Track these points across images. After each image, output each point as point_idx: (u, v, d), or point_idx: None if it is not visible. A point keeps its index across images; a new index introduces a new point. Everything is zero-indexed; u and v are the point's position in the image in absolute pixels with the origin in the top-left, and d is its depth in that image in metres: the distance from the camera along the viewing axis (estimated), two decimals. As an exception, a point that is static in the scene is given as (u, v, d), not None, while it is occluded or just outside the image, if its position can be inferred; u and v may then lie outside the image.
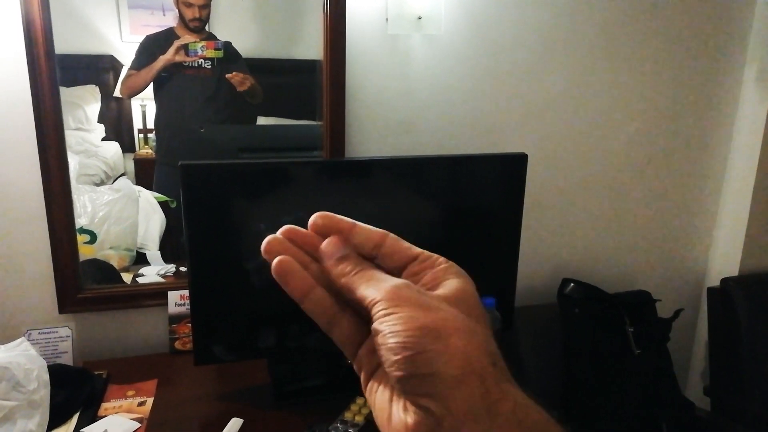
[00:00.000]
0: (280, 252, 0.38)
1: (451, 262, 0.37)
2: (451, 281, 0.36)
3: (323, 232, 0.38)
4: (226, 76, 1.62)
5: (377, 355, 0.35)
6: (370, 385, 0.38)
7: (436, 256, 0.38)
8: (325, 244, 0.38)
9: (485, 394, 0.31)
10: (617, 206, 2.03)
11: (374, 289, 0.34)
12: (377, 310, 0.33)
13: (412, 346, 0.31)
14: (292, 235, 0.39)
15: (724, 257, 2.12)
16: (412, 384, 0.31)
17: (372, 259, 0.38)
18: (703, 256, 2.19)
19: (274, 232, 0.39)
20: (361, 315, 0.37)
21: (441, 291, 0.35)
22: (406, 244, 0.38)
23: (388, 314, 0.33)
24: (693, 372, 2.27)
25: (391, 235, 0.39)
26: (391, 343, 0.32)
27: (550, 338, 1.80)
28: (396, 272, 0.38)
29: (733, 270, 2.08)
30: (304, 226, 0.39)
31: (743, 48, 1.98)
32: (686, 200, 2.10)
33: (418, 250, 0.38)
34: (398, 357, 0.31)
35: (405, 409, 0.32)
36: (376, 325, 0.33)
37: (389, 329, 0.32)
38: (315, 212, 0.40)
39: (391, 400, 0.34)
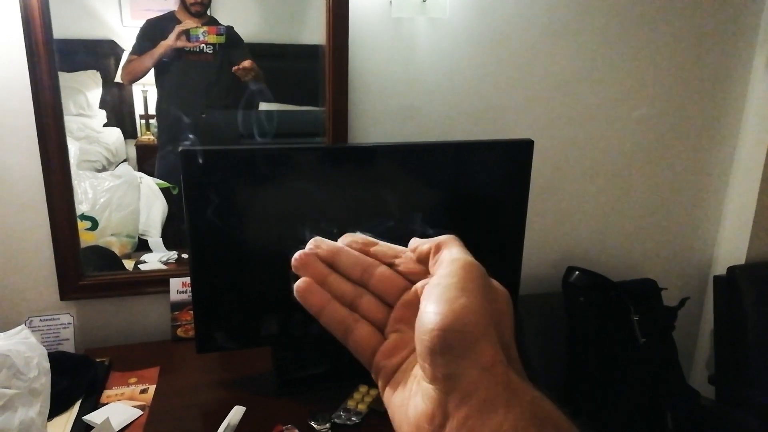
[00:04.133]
0: (308, 267, 0.41)
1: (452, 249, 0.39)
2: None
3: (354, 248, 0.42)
4: (233, 69, 1.60)
5: (394, 359, 0.38)
6: (388, 389, 0.38)
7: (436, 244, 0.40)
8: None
9: (507, 386, 0.31)
10: (623, 194, 2.01)
11: (450, 251, 0.38)
12: (439, 271, 0.36)
13: (453, 321, 0.32)
14: (319, 243, 0.42)
15: (731, 245, 2.10)
16: (442, 360, 0.32)
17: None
18: (710, 244, 2.17)
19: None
20: (375, 323, 0.40)
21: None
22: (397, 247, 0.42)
23: (445, 278, 0.35)
24: (698, 361, 2.26)
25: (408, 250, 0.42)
26: (433, 311, 0.33)
27: (555, 327, 1.79)
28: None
29: (739, 258, 2.06)
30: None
31: (753, 34, 1.95)
32: (693, 188, 2.08)
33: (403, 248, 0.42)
34: (433, 326, 0.32)
35: (422, 397, 0.33)
36: (433, 281, 0.36)
37: (440, 296, 0.34)
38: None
39: (410, 396, 0.35)
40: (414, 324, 0.35)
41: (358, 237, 0.43)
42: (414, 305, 0.37)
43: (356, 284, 0.41)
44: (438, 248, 0.39)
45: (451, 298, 0.33)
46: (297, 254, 0.41)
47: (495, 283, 0.37)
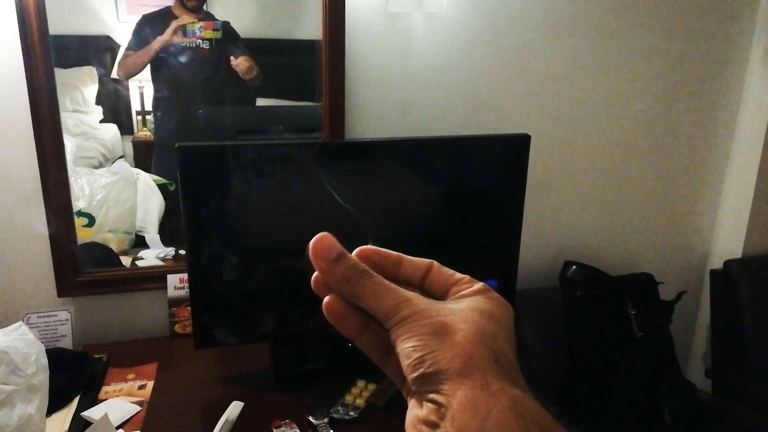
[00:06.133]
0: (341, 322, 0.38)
1: (487, 286, 0.38)
2: (478, 299, 0.37)
3: (371, 262, 0.39)
4: (232, 64, 1.60)
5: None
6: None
7: (475, 281, 0.39)
8: (316, 242, 0.37)
9: (485, 386, 0.32)
10: (620, 188, 2.01)
11: (382, 301, 0.36)
12: (390, 325, 0.35)
13: (422, 349, 0.33)
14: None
15: (728, 239, 2.11)
16: (422, 381, 0.33)
17: (419, 286, 0.40)
18: (707, 239, 2.18)
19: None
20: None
21: (462, 304, 0.36)
22: (450, 270, 0.40)
23: (400, 327, 0.35)
24: (695, 354, 2.27)
25: (436, 263, 0.40)
26: (406, 349, 0.34)
27: (553, 321, 1.79)
28: (440, 295, 0.39)
29: (736, 252, 2.06)
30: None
31: (750, 28, 1.95)
32: (690, 182, 2.08)
33: (460, 275, 0.39)
34: (410, 361, 0.34)
35: (419, 404, 0.34)
36: (392, 338, 0.35)
37: (403, 343, 0.34)
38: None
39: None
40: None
41: (381, 251, 0.40)
42: None
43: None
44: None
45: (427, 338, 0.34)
46: (325, 302, 0.38)
47: (494, 294, 0.37)
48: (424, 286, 0.40)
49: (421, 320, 0.34)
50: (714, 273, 2.05)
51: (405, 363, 0.34)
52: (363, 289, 0.36)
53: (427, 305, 0.35)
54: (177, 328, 1.60)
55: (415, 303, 0.35)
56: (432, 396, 0.33)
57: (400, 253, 0.40)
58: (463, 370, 0.32)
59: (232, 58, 1.60)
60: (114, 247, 1.63)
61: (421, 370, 0.33)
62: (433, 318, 0.34)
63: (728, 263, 1.98)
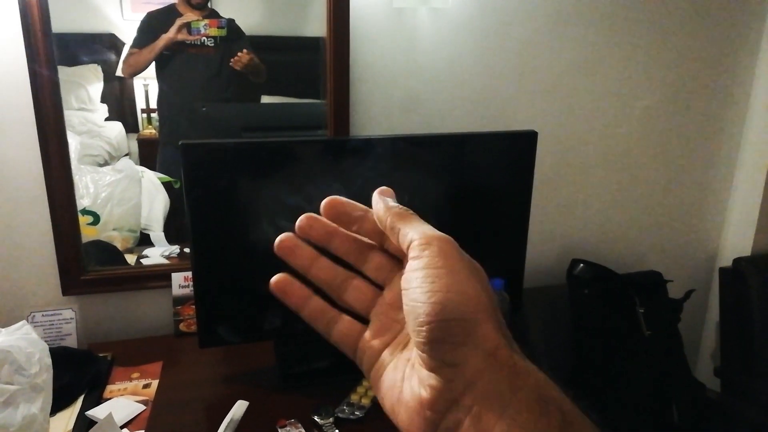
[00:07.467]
0: (292, 254, 0.39)
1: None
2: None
3: (336, 218, 0.39)
4: (231, 62, 1.59)
5: (379, 342, 0.37)
6: (374, 371, 0.37)
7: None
8: (382, 190, 0.39)
9: (512, 370, 0.30)
10: (628, 185, 1.99)
11: (417, 231, 0.35)
12: (416, 253, 0.33)
13: (452, 310, 0.31)
14: (311, 222, 0.39)
15: (737, 237, 2.09)
16: (443, 350, 0.31)
17: (379, 243, 0.40)
18: (716, 236, 2.16)
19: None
20: (362, 307, 0.39)
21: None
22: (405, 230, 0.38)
23: (427, 261, 0.32)
24: (703, 353, 2.25)
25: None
26: (426, 300, 0.31)
27: (560, 319, 1.78)
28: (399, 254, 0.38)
29: (745, 250, 2.04)
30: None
31: (760, 22, 1.93)
32: (699, 179, 2.06)
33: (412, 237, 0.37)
34: (431, 318, 0.31)
35: (420, 383, 0.32)
36: (412, 265, 0.33)
37: (427, 282, 0.32)
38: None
39: (402, 379, 0.34)
40: (401, 307, 0.34)
41: (344, 201, 0.40)
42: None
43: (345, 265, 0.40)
44: (392, 224, 0.36)
45: (443, 284, 0.31)
46: (279, 239, 0.39)
47: (468, 256, 0.35)
48: (384, 245, 0.39)
49: (457, 276, 0.32)
50: (723, 271, 2.03)
51: (426, 310, 0.31)
52: (405, 221, 0.36)
53: (460, 255, 0.34)
54: (182, 326, 1.59)
55: (450, 247, 0.34)
56: (447, 373, 0.31)
57: (367, 208, 0.40)
58: (493, 350, 0.31)
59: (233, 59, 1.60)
60: (119, 245, 1.62)
61: (445, 335, 0.31)
62: (468, 278, 0.33)
63: (737, 261, 1.96)
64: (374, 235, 0.39)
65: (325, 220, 0.39)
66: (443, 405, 0.31)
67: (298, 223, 0.39)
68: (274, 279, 0.39)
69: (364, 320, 0.39)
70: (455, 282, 0.31)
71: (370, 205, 0.40)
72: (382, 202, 0.38)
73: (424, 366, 0.32)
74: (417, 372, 0.33)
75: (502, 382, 0.30)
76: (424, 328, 0.31)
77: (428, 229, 0.35)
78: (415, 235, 0.34)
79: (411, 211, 0.37)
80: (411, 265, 0.33)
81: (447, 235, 0.34)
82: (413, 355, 0.34)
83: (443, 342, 0.31)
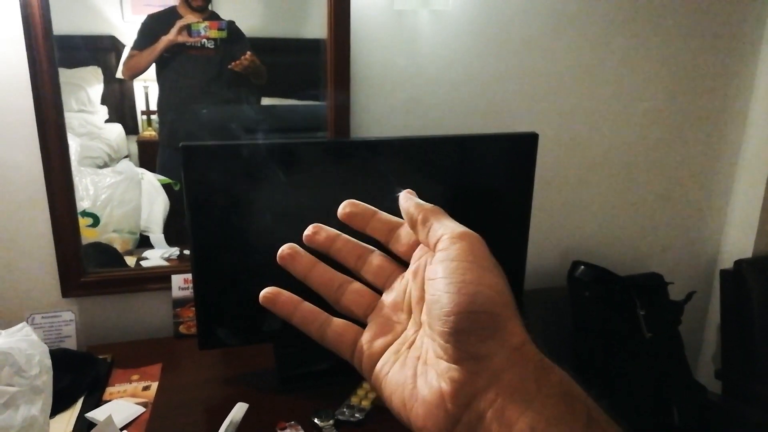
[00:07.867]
0: (289, 258, 0.41)
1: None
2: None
3: (352, 218, 0.41)
4: (230, 66, 1.59)
5: (380, 343, 0.38)
6: (377, 371, 0.37)
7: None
8: (409, 191, 0.41)
9: (538, 365, 0.31)
10: (628, 187, 1.99)
11: (448, 227, 0.36)
12: (446, 245, 0.35)
13: (483, 303, 0.31)
14: (317, 229, 0.42)
15: (738, 239, 2.09)
16: (469, 341, 0.31)
17: (385, 242, 0.41)
18: (717, 238, 2.15)
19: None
20: (359, 309, 0.40)
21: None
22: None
23: (458, 254, 0.34)
24: (704, 355, 2.25)
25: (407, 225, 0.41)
26: (456, 291, 0.32)
27: (560, 321, 1.78)
28: (406, 255, 0.40)
29: (746, 252, 2.04)
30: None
31: (761, 24, 1.93)
32: (699, 181, 2.06)
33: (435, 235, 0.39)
34: (460, 308, 0.31)
35: (439, 376, 0.32)
36: (441, 257, 0.34)
37: (458, 273, 0.32)
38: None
39: (414, 375, 0.34)
40: (403, 307, 0.37)
41: (360, 203, 0.42)
42: (405, 291, 0.38)
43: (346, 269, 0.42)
44: (426, 218, 0.38)
45: (475, 276, 0.32)
46: (280, 250, 0.41)
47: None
48: (389, 243, 0.41)
49: (486, 272, 0.34)
50: (724, 273, 2.03)
51: (456, 300, 0.31)
52: (436, 216, 0.38)
53: (488, 254, 0.36)
54: (181, 328, 1.59)
55: (480, 245, 0.36)
56: (470, 366, 0.31)
57: (376, 209, 0.42)
58: (521, 345, 0.31)
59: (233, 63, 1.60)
60: (118, 247, 1.62)
61: (475, 325, 0.31)
62: (498, 275, 0.34)
63: (738, 263, 1.96)
64: (382, 234, 0.41)
65: (328, 228, 0.42)
66: (465, 398, 0.31)
67: (306, 232, 0.41)
68: (261, 294, 0.41)
69: (360, 324, 0.40)
70: (486, 276, 0.32)
71: (372, 206, 0.41)
72: (413, 200, 0.40)
73: (447, 358, 0.32)
74: (434, 366, 0.33)
75: (528, 377, 0.30)
76: (451, 318, 0.31)
77: (459, 226, 0.37)
78: (447, 230, 0.36)
79: (442, 209, 0.39)
80: (439, 256, 0.34)
81: (476, 233, 0.36)
82: (425, 350, 0.35)
83: (470, 333, 0.31)
